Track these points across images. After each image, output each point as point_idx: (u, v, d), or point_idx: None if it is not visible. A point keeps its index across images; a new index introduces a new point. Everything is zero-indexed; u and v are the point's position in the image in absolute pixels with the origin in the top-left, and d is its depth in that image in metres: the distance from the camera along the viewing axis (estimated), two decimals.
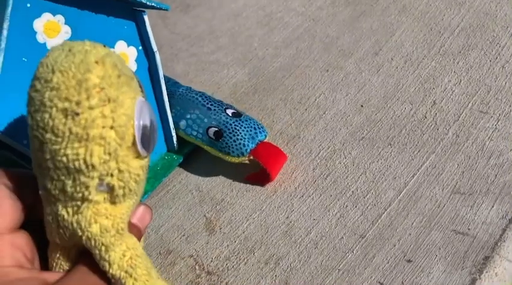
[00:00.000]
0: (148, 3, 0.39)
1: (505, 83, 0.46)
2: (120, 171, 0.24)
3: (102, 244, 0.25)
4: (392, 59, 0.52)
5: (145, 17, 0.41)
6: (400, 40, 0.53)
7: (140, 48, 0.42)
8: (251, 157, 0.43)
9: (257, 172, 0.44)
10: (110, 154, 0.23)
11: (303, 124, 0.48)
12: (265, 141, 0.44)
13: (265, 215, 0.41)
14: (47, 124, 0.23)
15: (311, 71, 0.53)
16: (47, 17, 0.35)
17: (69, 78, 0.22)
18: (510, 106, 0.44)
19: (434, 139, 0.43)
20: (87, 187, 0.24)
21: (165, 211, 0.44)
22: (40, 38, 0.35)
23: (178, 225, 0.42)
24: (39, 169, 0.25)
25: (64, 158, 0.23)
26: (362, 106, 0.48)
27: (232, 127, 0.43)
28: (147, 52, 0.42)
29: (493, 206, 0.37)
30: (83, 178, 0.23)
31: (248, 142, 0.43)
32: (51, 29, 0.36)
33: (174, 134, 0.46)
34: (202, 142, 0.45)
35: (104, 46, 0.26)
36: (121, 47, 0.41)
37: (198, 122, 0.45)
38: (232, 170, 0.45)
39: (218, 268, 0.39)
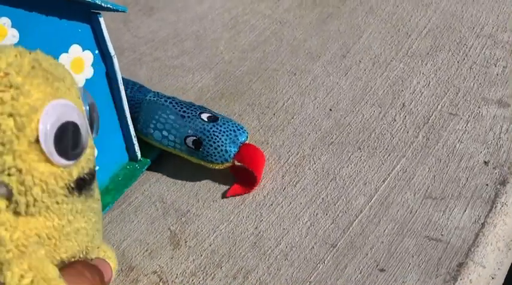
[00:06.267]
0: (103, 4, 0.36)
1: (473, 84, 0.46)
2: (19, 171, 0.21)
3: None
4: (360, 61, 0.51)
5: (101, 19, 0.38)
6: (368, 42, 0.53)
7: (97, 52, 0.39)
8: (235, 162, 0.41)
9: (237, 182, 0.42)
10: (4, 145, 0.21)
11: (271, 130, 0.46)
12: (245, 142, 0.42)
13: (233, 226, 0.40)
14: None
15: (279, 75, 0.52)
16: None
17: None
18: (479, 107, 0.44)
19: (404, 142, 0.42)
20: None
21: (127, 224, 0.41)
22: None
23: (141, 239, 0.40)
24: None
25: None
26: (331, 110, 0.47)
27: (210, 134, 0.41)
28: (104, 56, 0.40)
29: (465, 211, 0.37)
30: None
31: (230, 147, 0.41)
32: None
33: (135, 142, 0.44)
34: (182, 152, 0.42)
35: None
36: (76, 50, 0.38)
37: (173, 132, 0.42)
38: (198, 179, 0.43)
39: (184, 284, 0.37)
